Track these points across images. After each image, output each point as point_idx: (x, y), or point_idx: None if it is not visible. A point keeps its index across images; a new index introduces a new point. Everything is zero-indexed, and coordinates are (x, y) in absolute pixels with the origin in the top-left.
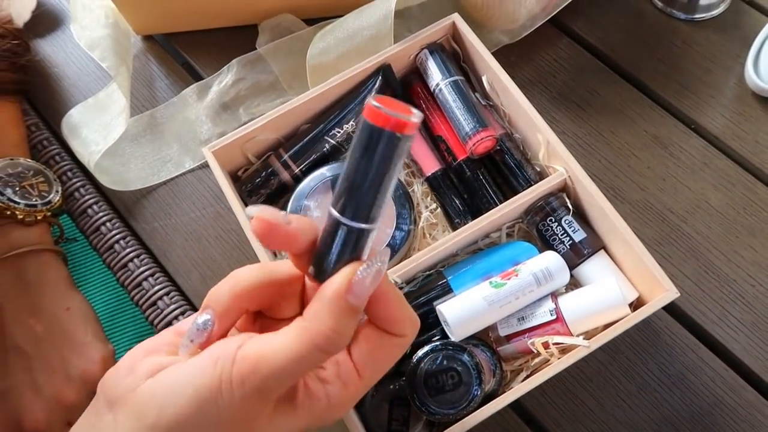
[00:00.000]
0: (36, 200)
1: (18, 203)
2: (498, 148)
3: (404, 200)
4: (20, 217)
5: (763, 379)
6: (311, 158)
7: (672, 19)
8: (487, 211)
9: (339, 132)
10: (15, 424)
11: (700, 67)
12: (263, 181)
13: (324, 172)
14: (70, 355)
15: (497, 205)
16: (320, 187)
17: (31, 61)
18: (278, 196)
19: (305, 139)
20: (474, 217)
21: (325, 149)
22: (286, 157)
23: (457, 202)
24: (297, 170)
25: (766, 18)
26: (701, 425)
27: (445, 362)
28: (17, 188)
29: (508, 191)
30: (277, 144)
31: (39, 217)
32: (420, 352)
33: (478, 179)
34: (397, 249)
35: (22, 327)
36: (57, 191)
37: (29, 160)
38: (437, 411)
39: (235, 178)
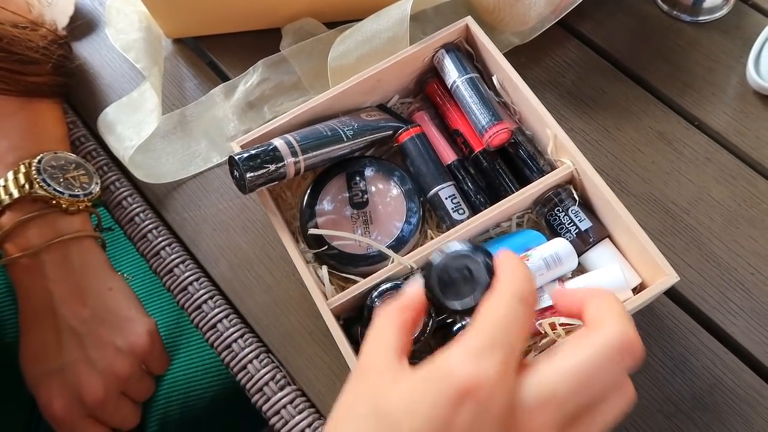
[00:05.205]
0: (78, 191)
1: (62, 193)
2: (512, 140)
3: (413, 194)
4: (64, 206)
5: (761, 362)
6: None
7: (676, 21)
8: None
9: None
10: (76, 398)
11: (703, 67)
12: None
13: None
14: (118, 330)
15: (514, 193)
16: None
17: (77, 65)
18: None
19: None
20: (492, 205)
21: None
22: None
23: (473, 189)
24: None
25: (767, 20)
26: (702, 405)
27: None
28: (61, 180)
29: (522, 182)
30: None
31: (81, 207)
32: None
33: (495, 169)
34: (407, 240)
35: (72, 308)
36: (96, 183)
37: (71, 154)
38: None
39: None
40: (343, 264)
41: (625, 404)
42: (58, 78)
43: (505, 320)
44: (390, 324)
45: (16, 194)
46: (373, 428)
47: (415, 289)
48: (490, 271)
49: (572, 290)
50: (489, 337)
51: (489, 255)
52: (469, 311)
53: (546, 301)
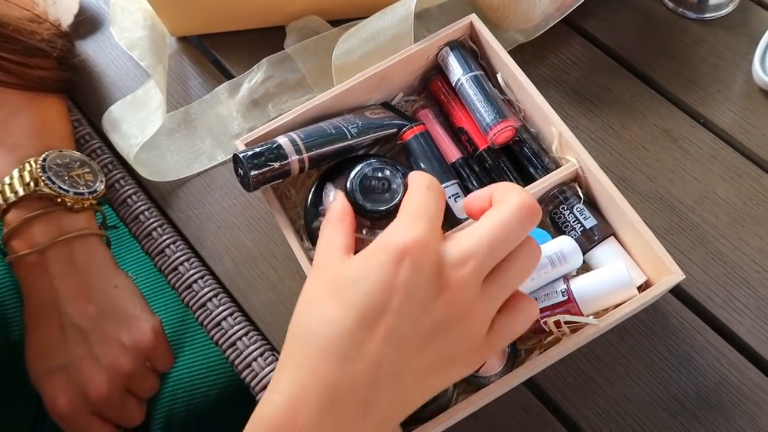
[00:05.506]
0: (83, 189)
1: (67, 191)
2: (517, 138)
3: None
4: (69, 204)
5: (767, 360)
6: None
7: (682, 18)
8: None
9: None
10: (81, 395)
11: (709, 64)
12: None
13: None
14: (123, 327)
15: None
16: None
17: (80, 60)
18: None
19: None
20: None
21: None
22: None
23: (477, 188)
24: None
25: None
26: (707, 403)
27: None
28: (66, 178)
29: (527, 179)
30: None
31: (86, 205)
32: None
33: (500, 167)
34: None
35: (76, 305)
36: (101, 181)
37: (76, 152)
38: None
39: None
40: None
41: (533, 257)
42: (62, 72)
43: (422, 200)
44: (335, 230)
45: (21, 192)
46: (334, 296)
47: (341, 198)
48: (404, 181)
49: (477, 193)
50: (413, 212)
51: (400, 170)
52: (388, 215)
53: (554, 298)
